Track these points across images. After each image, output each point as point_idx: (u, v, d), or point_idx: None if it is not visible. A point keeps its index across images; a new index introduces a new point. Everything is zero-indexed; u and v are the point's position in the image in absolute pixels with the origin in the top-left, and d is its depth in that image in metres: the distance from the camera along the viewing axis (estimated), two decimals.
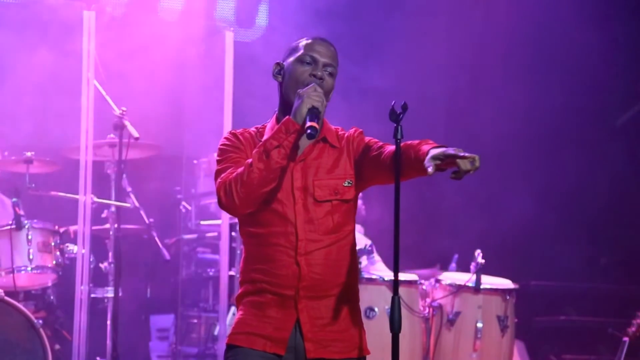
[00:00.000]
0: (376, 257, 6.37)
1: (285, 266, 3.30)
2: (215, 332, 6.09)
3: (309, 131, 3.19)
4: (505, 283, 6.16)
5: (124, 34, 6.91)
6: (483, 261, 5.95)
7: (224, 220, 5.98)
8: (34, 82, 6.83)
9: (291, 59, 3.40)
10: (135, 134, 5.88)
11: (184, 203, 7.02)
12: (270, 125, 3.43)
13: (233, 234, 6.43)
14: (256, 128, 3.48)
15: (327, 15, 7.32)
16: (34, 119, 6.89)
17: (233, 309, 6.25)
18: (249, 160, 3.24)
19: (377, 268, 6.29)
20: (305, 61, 3.37)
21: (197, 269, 7.05)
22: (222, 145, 3.41)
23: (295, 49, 3.41)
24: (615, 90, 8.18)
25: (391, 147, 3.33)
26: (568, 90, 8.00)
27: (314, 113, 3.23)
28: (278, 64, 3.45)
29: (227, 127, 5.92)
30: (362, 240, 6.48)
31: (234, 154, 3.37)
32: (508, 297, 6.04)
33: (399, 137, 3.29)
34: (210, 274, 6.84)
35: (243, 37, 7.72)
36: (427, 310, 6.03)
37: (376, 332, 5.74)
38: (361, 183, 3.43)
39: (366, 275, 5.90)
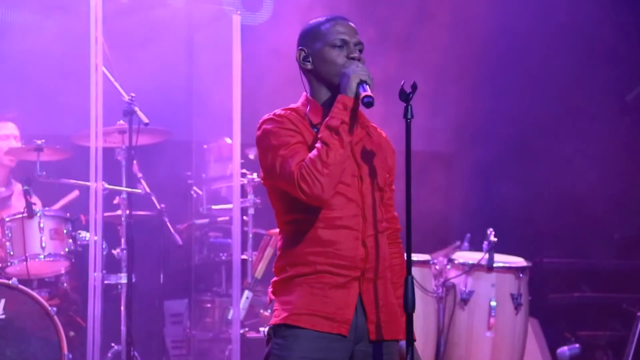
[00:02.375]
0: None
1: (352, 248, 3.29)
2: (229, 316, 6.08)
3: (365, 99, 3.21)
4: (518, 261, 6.15)
5: (131, 19, 6.91)
6: (495, 239, 5.95)
7: (235, 204, 5.98)
8: (42, 69, 6.83)
9: (318, 44, 3.40)
10: (145, 119, 5.88)
11: (195, 188, 7.01)
12: (311, 107, 3.41)
13: (245, 217, 6.43)
14: (290, 109, 3.43)
15: None
16: (43, 106, 6.89)
17: (247, 292, 6.26)
18: (320, 143, 3.22)
19: None
20: (337, 45, 3.37)
21: (210, 253, 7.05)
22: (273, 127, 3.35)
23: (319, 34, 3.40)
24: (625, 66, 8.14)
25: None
26: (578, 66, 7.96)
27: (362, 88, 3.25)
28: (302, 49, 3.44)
29: (237, 111, 5.91)
30: None
31: (292, 138, 3.31)
32: (521, 275, 6.04)
33: (409, 116, 3.30)
34: (223, 258, 6.84)
35: (250, 20, 7.71)
36: (440, 289, 6.03)
37: None
38: None
39: None
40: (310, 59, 3.42)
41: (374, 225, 3.33)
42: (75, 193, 6.38)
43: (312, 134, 3.34)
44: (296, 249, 3.35)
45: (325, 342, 3.26)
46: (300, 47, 3.46)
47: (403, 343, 3.29)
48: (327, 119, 3.28)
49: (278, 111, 3.43)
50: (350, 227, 3.30)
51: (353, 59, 3.35)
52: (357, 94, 3.25)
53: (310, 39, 3.43)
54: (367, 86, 3.25)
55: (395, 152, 3.50)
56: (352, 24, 3.42)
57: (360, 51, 3.39)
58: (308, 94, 3.46)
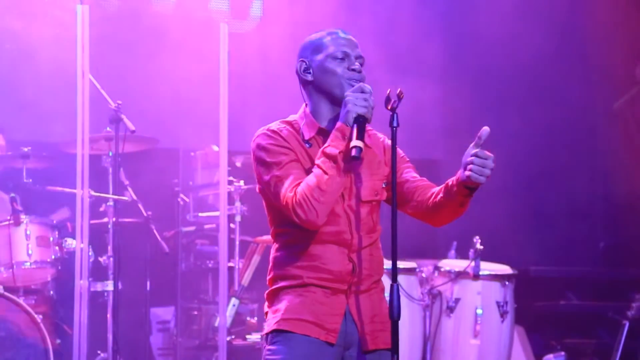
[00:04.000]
0: None
1: (338, 262, 3.36)
2: (216, 324, 6.09)
3: (352, 152, 3.23)
4: (504, 269, 6.17)
5: (118, 26, 6.91)
6: (482, 247, 5.96)
7: (222, 211, 5.98)
8: (28, 76, 6.82)
9: (320, 56, 3.44)
10: (132, 127, 5.88)
11: (181, 195, 7.01)
12: (306, 121, 3.45)
13: (232, 225, 6.43)
14: (286, 122, 3.48)
15: (321, 5, 7.32)
16: (29, 113, 6.88)
17: (233, 300, 6.26)
18: (319, 170, 3.28)
19: None
20: (338, 57, 3.42)
21: (196, 260, 7.05)
22: (266, 144, 3.43)
23: (320, 46, 3.45)
24: (612, 74, 8.17)
25: (415, 181, 3.45)
26: (566, 75, 8.00)
27: (361, 122, 3.27)
28: (303, 61, 3.48)
29: (223, 118, 5.91)
30: None
31: (285, 156, 3.38)
32: (507, 283, 6.05)
33: (394, 124, 3.31)
34: (210, 265, 6.84)
35: (238, 28, 7.72)
36: (426, 297, 6.04)
37: None
38: None
39: None
40: (311, 71, 3.47)
41: (362, 239, 3.39)
42: (65, 212, 6.38)
43: (304, 150, 3.39)
44: (286, 261, 3.42)
45: (315, 347, 3.33)
46: (301, 59, 3.50)
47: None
48: (325, 145, 3.32)
49: (273, 126, 3.48)
50: (337, 242, 3.37)
51: (355, 70, 3.40)
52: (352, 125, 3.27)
53: (311, 50, 3.48)
54: (363, 127, 3.26)
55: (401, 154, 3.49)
56: (354, 38, 3.47)
57: (361, 65, 3.42)
58: (307, 108, 3.49)
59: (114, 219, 6.06)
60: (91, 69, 5.70)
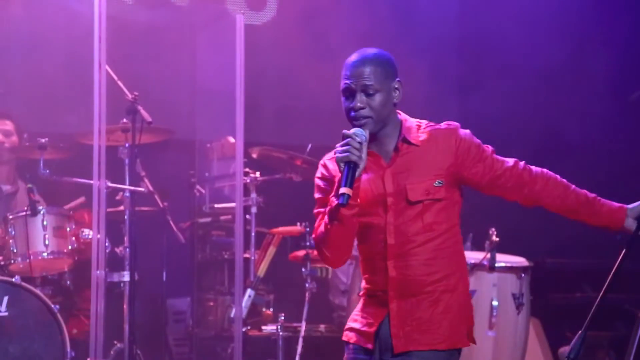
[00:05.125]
0: None
1: (378, 272, 3.50)
2: (232, 315, 6.10)
3: (339, 200, 3.29)
4: (520, 261, 6.16)
5: (135, 18, 6.92)
6: (497, 239, 5.95)
7: (238, 202, 5.99)
8: (46, 67, 6.85)
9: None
10: (148, 118, 5.89)
11: (197, 187, 7.02)
12: None
13: (247, 216, 6.44)
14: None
15: None
16: (47, 104, 6.90)
17: (249, 291, 6.27)
18: (326, 219, 3.42)
19: None
20: (345, 95, 3.48)
21: (212, 252, 7.06)
22: (315, 178, 3.64)
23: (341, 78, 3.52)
24: (629, 65, 8.13)
25: (510, 167, 3.52)
26: (581, 64, 7.96)
27: (350, 168, 3.31)
28: None
29: (240, 110, 5.92)
30: None
31: (319, 194, 3.57)
32: (523, 275, 6.04)
33: None
34: (225, 256, 6.85)
35: (254, 19, 7.72)
36: None
37: None
38: (463, 183, 3.55)
39: None
40: None
41: (402, 245, 3.45)
42: (81, 199, 6.40)
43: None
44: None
45: (358, 354, 3.53)
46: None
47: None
48: (332, 194, 3.39)
49: (325, 158, 3.60)
50: (375, 252, 3.49)
51: (354, 109, 3.43)
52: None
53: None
54: (352, 174, 3.30)
55: (460, 137, 3.50)
56: (368, 65, 3.45)
57: (372, 95, 3.42)
58: None
59: (130, 210, 6.07)
60: (108, 61, 5.72)
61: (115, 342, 6.19)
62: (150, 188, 6.38)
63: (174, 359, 7.20)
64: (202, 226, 7.08)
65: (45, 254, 5.98)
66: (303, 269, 6.35)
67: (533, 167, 3.58)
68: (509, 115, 7.68)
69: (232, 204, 6.28)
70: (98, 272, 5.62)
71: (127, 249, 6.06)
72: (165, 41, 7.16)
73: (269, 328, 6.51)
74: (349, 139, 3.34)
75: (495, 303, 5.94)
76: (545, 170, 3.59)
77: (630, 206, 3.55)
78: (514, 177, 3.53)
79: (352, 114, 3.44)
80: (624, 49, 7.99)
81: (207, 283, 7.09)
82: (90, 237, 5.94)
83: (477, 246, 6.40)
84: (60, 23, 6.76)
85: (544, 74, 7.92)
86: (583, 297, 7.91)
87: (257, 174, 6.50)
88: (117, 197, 6.16)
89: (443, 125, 3.54)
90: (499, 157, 3.55)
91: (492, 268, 5.98)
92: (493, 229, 5.96)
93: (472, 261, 6.04)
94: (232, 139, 6.64)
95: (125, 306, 5.98)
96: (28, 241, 5.92)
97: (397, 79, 3.49)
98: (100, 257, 5.63)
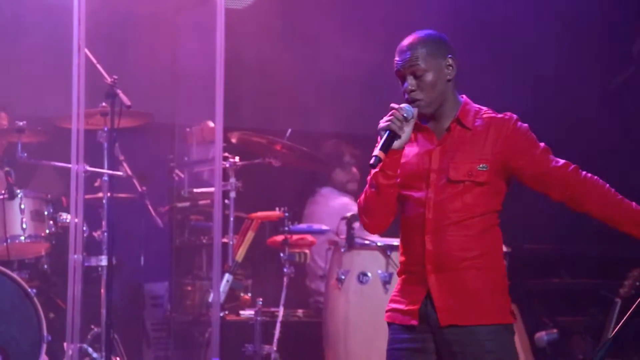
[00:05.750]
0: None
1: (416, 245, 3.57)
2: (209, 299, 6.10)
3: (371, 160, 3.46)
4: None
5: (116, 1, 6.88)
6: None
7: (217, 187, 5.98)
8: (24, 51, 6.81)
9: None
10: (127, 102, 5.86)
11: (176, 171, 7.01)
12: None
13: (226, 201, 6.43)
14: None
15: None
16: (25, 88, 6.86)
17: (227, 275, 6.27)
18: (367, 186, 3.59)
19: (367, 233, 6.32)
20: (398, 78, 3.62)
21: (191, 236, 7.06)
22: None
23: None
24: (609, 53, 8.16)
25: (558, 167, 3.60)
26: (562, 52, 7.98)
27: (388, 135, 3.49)
28: None
29: (219, 94, 5.90)
30: (354, 207, 6.51)
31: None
32: None
33: None
34: (204, 241, 6.85)
35: (235, 4, 7.69)
36: None
37: (369, 297, 5.79)
38: (510, 173, 3.62)
39: (359, 241, 5.92)
40: None
41: (444, 218, 3.52)
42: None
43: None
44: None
45: (404, 333, 3.57)
46: None
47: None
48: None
49: None
50: (415, 226, 3.57)
51: (406, 92, 3.56)
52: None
53: None
54: (389, 141, 3.48)
55: (513, 127, 3.61)
56: (412, 48, 3.57)
57: (420, 77, 3.54)
58: None
59: (108, 194, 6.05)
60: (87, 44, 5.69)
61: (93, 326, 6.18)
62: (129, 172, 6.37)
63: (151, 343, 7.20)
64: (181, 211, 7.07)
65: (22, 238, 5.96)
66: (281, 254, 6.35)
67: (583, 172, 3.66)
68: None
69: (211, 189, 6.27)
70: (75, 256, 5.60)
71: (105, 233, 6.04)
72: (146, 25, 7.13)
73: (246, 313, 6.52)
74: (394, 111, 3.49)
75: None
76: (596, 177, 3.66)
77: None
78: (560, 177, 3.61)
79: (406, 96, 3.56)
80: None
81: (185, 268, 7.08)
82: (68, 221, 5.92)
83: None
84: (39, 5, 6.72)
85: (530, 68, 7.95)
86: (560, 282, 7.96)
87: (237, 158, 6.49)
88: (96, 184, 6.14)
89: (501, 114, 3.65)
90: (550, 156, 3.64)
91: None
92: None
93: None
94: (211, 124, 6.62)
95: (102, 290, 5.97)
96: (5, 225, 5.90)
97: (449, 56, 3.60)
98: (77, 241, 5.61)
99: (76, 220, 5.64)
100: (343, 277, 5.91)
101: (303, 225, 6.74)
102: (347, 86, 7.69)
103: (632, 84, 8.21)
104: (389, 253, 5.87)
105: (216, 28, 5.91)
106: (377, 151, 3.46)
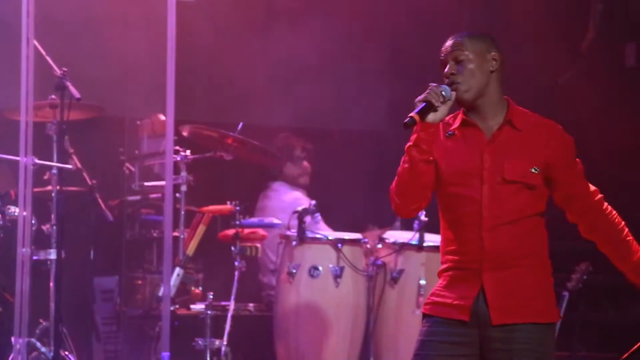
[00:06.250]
0: (319, 216, 6.41)
1: (470, 243, 3.60)
2: (160, 293, 6.08)
3: (405, 120, 3.51)
4: None
5: None
6: (426, 219, 6.01)
7: (168, 181, 5.95)
8: None
9: None
10: (77, 94, 5.82)
11: (127, 164, 6.97)
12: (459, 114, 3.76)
13: (177, 194, 6.41)
14: (453, 116, 3.72)
15: None
16: None
17: (178, 269, 6.25)
18: (399, 168, 3.64)
19: (319, 228, 6.34)
20: (442, 69, 3.69)
21: (141, 230, 7.02)
22: None
23: None
24: (557, 49, 8.25)
25: (588, 192, 3.68)
26: (512, 48, 8.03)
27: (426, 104, 3.54)
28: None
29: (171, 87, 5.87)
30: (305, 201, 6.53)
31: None
32: None
33: None
34: (154, 235, 6.82)
35: None
36: (370, 268, 6.08)
37: (320, 291, 5.81)
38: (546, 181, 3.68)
39: (310, 235, 5.94)
40: None
41: (496, 218, 3.57)
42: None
43: (440, 140, 3.67)
44: (442, 249, 3.74)
45: (449, 327, 3.60)
46: None
47: None
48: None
49: None
50: (467, 224, 3.60)
51: (445, 76, 3.64)
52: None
53: None
54: (425, 109, 3.53)
55: (563, 137, 3.71)
56: (457, 39, 3.67)
57: (461, 62, 3.62)
58: None
59: (58, 187, 6.00)
60: (36, 35, 5.63)
61: (41, 320, 6.12)
62: (79, 165, 6.32)
63: (101, 337, 7.16)
64: (131, 204, 7.03)
65: None
66: (232, 248, 6.34)
67: (606, 204, 3.74)
68: None
69: (162, 182, 6.25)
70: (24, 249, 5.54)
71: (54, 227, 5.99)
72: (97, 16, 7.07)
73: (197, 307, 6.50)
74: (432, 86, 3.55)
75: (422, 282, 6.01)
76: (615, 213, 3.74)
77: None
78: (586, 203, 3.71)
79: (446, 80, 3.62)
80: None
81: (135, 261, 7.05)
82: (16, 214, 5.86)
83: (406, 226, 6.46)
84: None
85: None
86: None
87: (188, 152, 6.46)
88: (45, 177, 6.09)
89: (547, 120, 3.75)
90: (584, 178, 3.72)
91: (420, 247, 6.05)
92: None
93: (401, 240, 6.10)
94: (162, 117, 6.59)
95: (51, 284, 5.92)
96: None
97: (494, 51, 3.69)
98: (26, 235, 5.55)
99: (25, 213, 5.58)
100: (294, 271, 5.92)
101: (254, 219, 6.73)
102: (300, 80, 7.69)
103: (581, 78, 8.30)
104: (339, 247, 5.90)
105: (167, 20, 5.88)
106: (412, 113, 3.52)
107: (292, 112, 7.70)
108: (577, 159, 3.75)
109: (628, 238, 3.74)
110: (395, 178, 3.65)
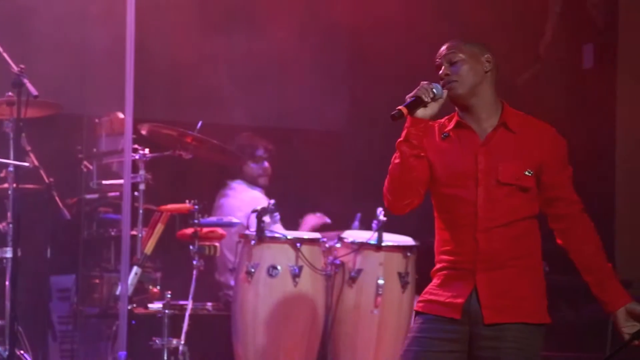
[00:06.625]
0: (278, 216, 6.42)
1: (465, 243, 3.66)
2: (117, 292, 6.04)
3: (393, 112, 3.55)
4: (406, 240, 6.26)
5: None
6: (385, 219, 6.03)
7: (126, 179, 5.93)
8: None
9: None
10: (34, 91, 5.77)
11: (85, 162, 6.93)
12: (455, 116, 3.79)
13: (135, 193, 6.38)
14: (448, 117, 3.77)
15: None
16: None
17: (135, 268, 6.22)
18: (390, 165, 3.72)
19: (277, 227, 6.34)
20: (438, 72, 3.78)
21: (99, 228, 6.98)
22: None
23: None
24: (515, 50, 8.30)
25: (572, 200, 3.70)
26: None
27: (415, 99, 3.63)
28: None
29: (129, 85, 5.85)
30: (264, 201, 6.53)
31: None
32: (409, 254, 6.14)
33: None
34: (112, 233, 6.78)
35: None
36: (329, 267, 6.09)
37: (278, 290, 5.80)
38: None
39: (269, 234, 5.94)
40: None
41: (491, 220, 3.62)
42: None
43: (435, 141, 3.74)
44: (436, 249, 3.81)
45: (440, 324, 3.67)
46: None
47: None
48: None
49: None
50: (462, 225, 3.66)
51: (440, 78, 3.72)
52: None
53: None
54: (413, 104, 3.62)
55: (557, 140, 3.73)
56: (453, 42, 3.78)
57: (455, 63, 3.70)
58: None
59: (14, 185, 5.95)
60: None
61: None
62: (36, 163, 6.27)
63: (57, 336, 7.11)
64: (89, 202, 6.99)
65: None
66: (191, 247, 6.32)
67: (588, 218, 3.76)
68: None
69: (120, 181, 6.21)
70: None
71: (11, 225, 5.93)
72: (55, 13, 7.02)
73: (155, 306, 6.48)
74: (424, 84, 3.63)
75: (381, 282, 6.03)
76: (594, 228, 3.76)
77: (633, 303, 3.69)
78: (569, 211, 3.73)
79: (441, 81, 3.68)
80: None
81: (93, 260, 7.01)
82: None
83: (365, 225, 6.48)
84: None
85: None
86: None
87: (146, 150, 6.43)
88: (1, 175, 6.04)
89: (541, 121, 3.77)
90: (571, 184, 3.75)
91: (378, 247, 6.07)
92: (380, 209, 6.04)
93: (360, 240, 6.12)
94: (121, 115, 6.56)
95: (7, 283, 5.86)
96: None
97: (488, 54, 3.77)
98: None
99: None
100: (253, 270, 5.92)
101: (213, 218, 6.71)
102: (261, 79, 7.68)
103: (539, 79, 8.37)
104: (298, 246, 5.90)
105: (127, 18, 5.86)
106: (400, 106, 3.59)
107: (254, 112, 7.69)
108: (569, 165, 3.78)
109: (600, 252, 3.73)
110: (387, 176, 3.72)
